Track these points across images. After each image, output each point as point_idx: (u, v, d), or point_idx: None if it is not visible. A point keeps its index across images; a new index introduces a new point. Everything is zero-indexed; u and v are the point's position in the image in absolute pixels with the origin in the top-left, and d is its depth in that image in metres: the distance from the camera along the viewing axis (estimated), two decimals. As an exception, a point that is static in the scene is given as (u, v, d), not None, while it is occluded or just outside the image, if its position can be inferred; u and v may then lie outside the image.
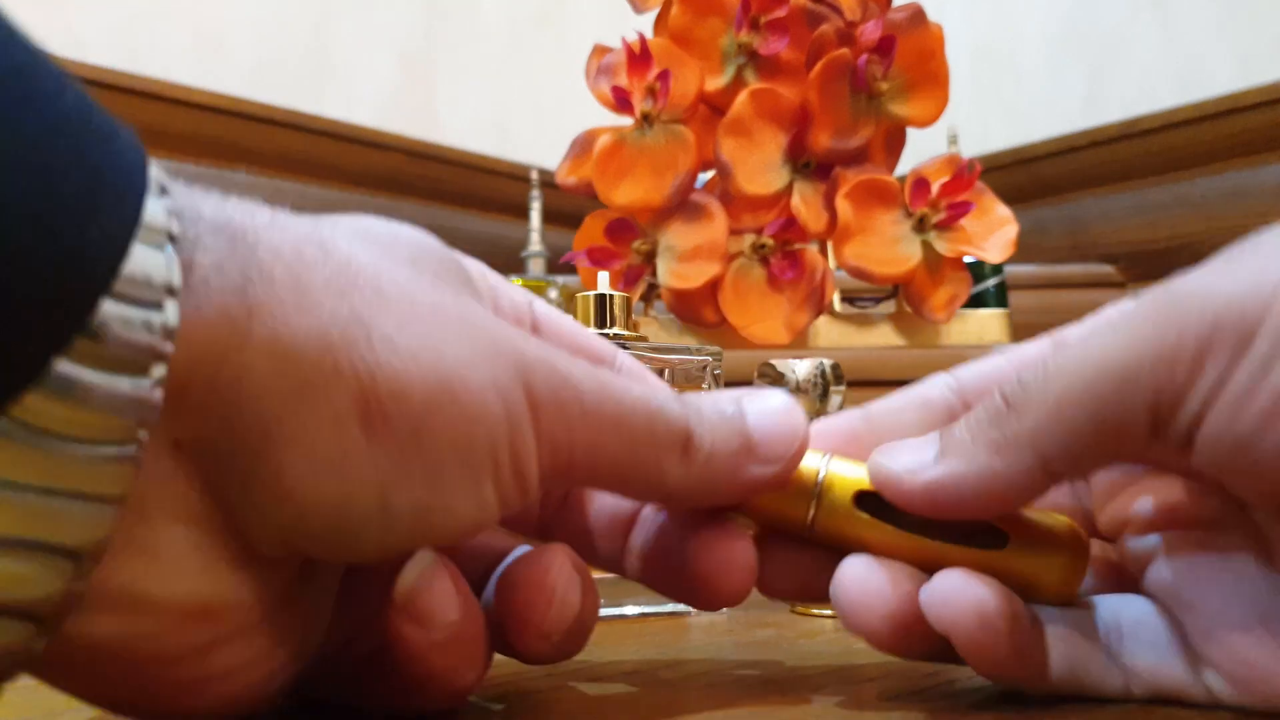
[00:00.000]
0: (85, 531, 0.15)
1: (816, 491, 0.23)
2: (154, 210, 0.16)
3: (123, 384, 0.15)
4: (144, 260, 0.15)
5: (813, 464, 0.23)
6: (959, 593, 0.21)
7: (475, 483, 0.19)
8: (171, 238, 0.16)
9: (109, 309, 0.14)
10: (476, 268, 0.23)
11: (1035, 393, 0.21)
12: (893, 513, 0.22)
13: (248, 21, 1.17)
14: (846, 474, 0.23)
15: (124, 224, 0.15)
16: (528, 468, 0.19)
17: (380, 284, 0.18)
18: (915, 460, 0.22)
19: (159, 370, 0.15)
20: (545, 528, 0.26)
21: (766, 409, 0.23)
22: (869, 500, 0.23)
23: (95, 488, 0.15)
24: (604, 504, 0.25)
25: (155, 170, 0.17)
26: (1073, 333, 0.24)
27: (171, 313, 0.15)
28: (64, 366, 0.14)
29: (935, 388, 0.27)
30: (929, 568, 0.22)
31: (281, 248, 0.17)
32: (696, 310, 0.68)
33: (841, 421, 0.26)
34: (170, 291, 0.15)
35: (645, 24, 0.72)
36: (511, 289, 0.24)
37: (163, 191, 0.17)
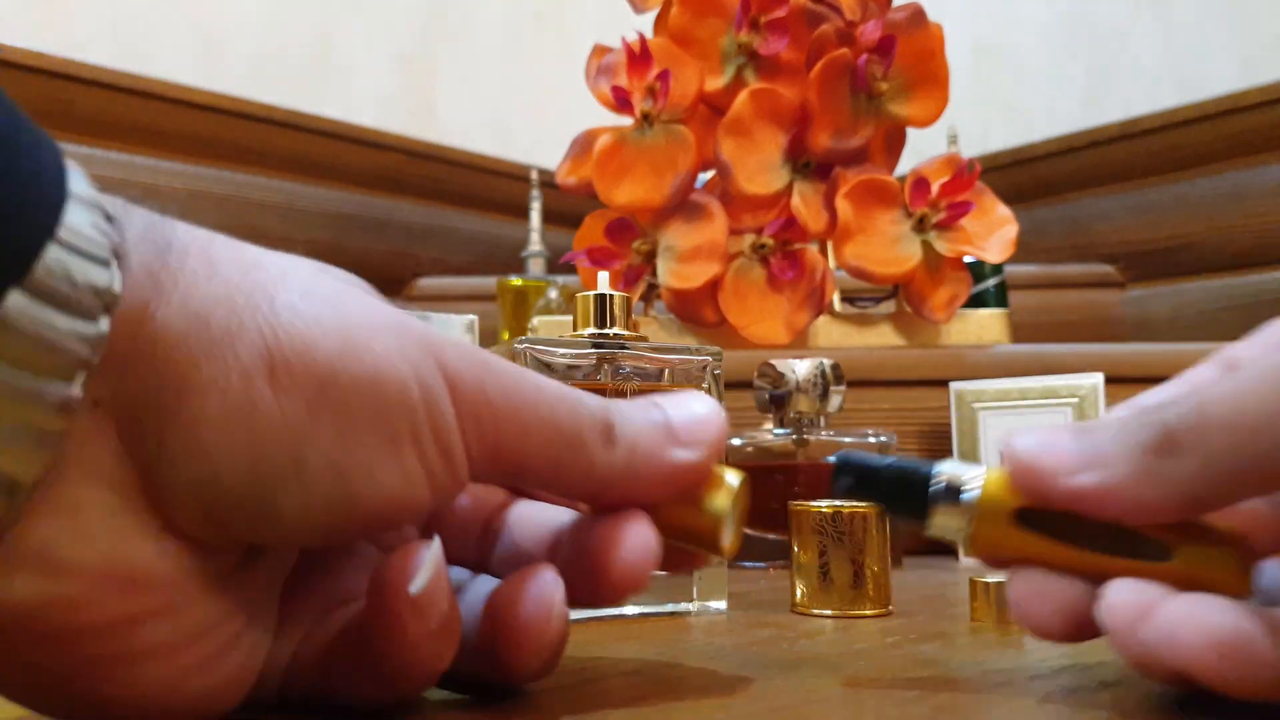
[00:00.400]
0: (27, 465, 0.16)
1: (974, 509, 0.23)
2: (82, 184, 0.17)
3: (72, 324, 0.16)
4: (81, 218, 0.16)
5: (967, 474, 0.23)
6: (1186, 625, 0.20)
7: (394, 448, 0.19)
8: (105, 215, 0.17)
9: (57, 254, 0.16)
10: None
11: (1194, 438, 0.20)
12: (1050, 524, 0.22)
13: (248, 21, 1.17)
14: (1001, 487, 0.23)
15: (58, 191, 0.16)
16: (451, 441, 0.20)
17: (284, 271, 0.19)
18: (1059, 460, 0.22)
19: (104, 321, 0.17)
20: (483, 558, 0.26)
21: (685, 402, 0.24)
22: (1030, 521, 0.23)
23: (40, 421, 0.16)
24: (527, 524, 0.25)
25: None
26: (1244, 354, 0.23)
27: (114, 271, 0.17)
28: (15, 299, 0.15)
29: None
30: (1096, 579, 0.22)
31: (195, 235, 0.19)
32: (696, 310, 0.68)
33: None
34: (115, 254, 0.17)
35: (645, 24, 0.72)
36: None
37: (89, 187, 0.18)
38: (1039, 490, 0.22)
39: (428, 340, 0.20)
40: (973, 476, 0.23)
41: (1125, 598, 0.21)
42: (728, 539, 0.24)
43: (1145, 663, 0.20)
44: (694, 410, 0.23)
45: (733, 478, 0.24)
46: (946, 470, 0.23)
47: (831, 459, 0.24)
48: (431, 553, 0.19)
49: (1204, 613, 0.20)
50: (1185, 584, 0.21)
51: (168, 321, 0.17)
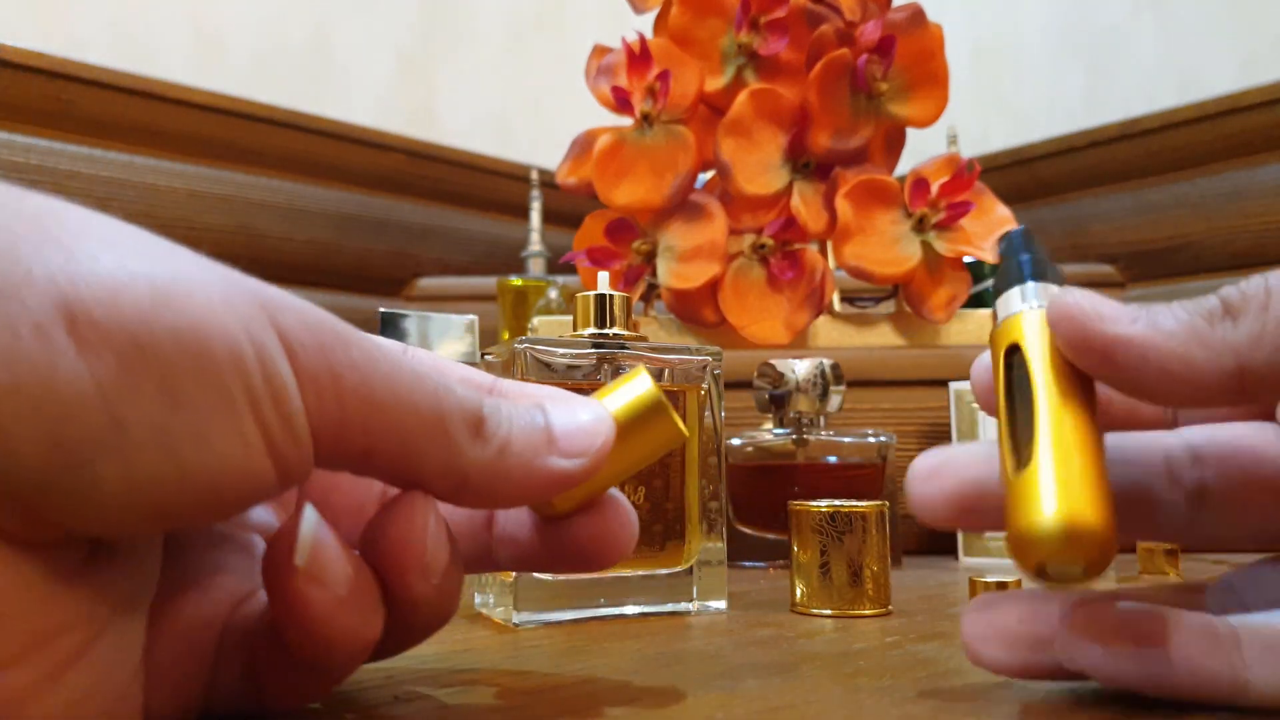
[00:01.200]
0: None
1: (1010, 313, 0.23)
2: None
3: None
4: None
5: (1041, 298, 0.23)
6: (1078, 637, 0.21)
7: (227, 410, 0.17)
8: None
9: None
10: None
11: (1255, 304, 0.20)
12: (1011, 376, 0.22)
13: (248, 21, 1.17)
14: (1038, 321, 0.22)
15: None
16: (292, 409, 0.17)
17: (84, 220, 0.17)
18: (1110, 310, 0.21)
19: None
20: None
21: (570, 408, 0.23)
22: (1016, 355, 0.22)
23: None
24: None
25: None
26: None
27: None
28: None
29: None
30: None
31: None
32: (696, 310, 0.68)
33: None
34: None
35: (645, 24, 0.72)
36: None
37: None
38: (1079, 324, 0.21)
39: (261, 296, 0.18)
40: (1016, 303, 0.23)
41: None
42: (680, 426, 0.24)
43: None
44: (579, 418, 0.22)
45: (645, 384, 0.24)
46: (1032, 286, 0.23)
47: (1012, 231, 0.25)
48: (306, 520, 0.18)
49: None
50: (1007, 503, 0.20)
51: None
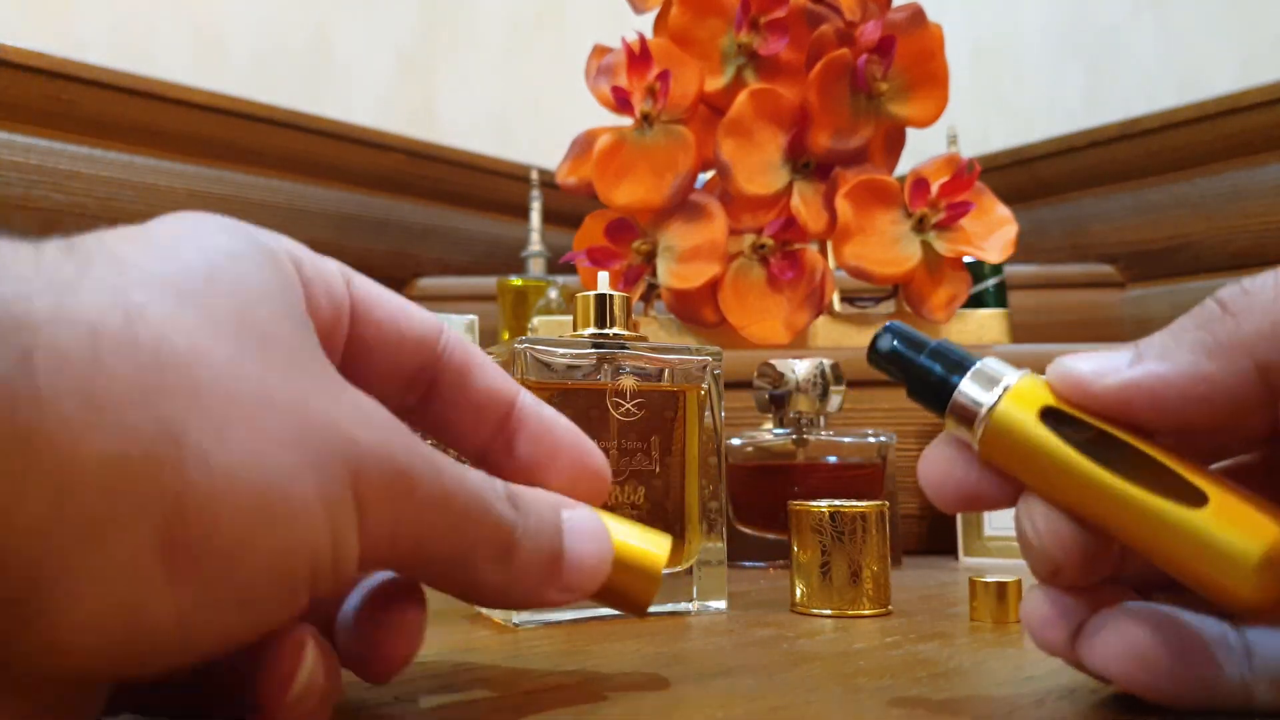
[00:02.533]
0: None
1: (998, 396, 0.21)
2: None
3: None
4: None
5: (1007, 370, 0.22)
6: (1115, 636, 0.21)
7: (291, 596, 0.17)
8: None
9: None
10: (287, 257, 0.21)
11: (1260, 298, 0.19)
12: (1078, 431, 0.20)
13: (248, 21, 1.17)
14: (1037, 387, 0.21)
15: None
16: (347, 569, 0.18)
17: (197, 378, 0.16)
18: (1107, 363, 0.20)
19: None
20: None
21: (583, 537, 0.23)
22: (1057, 423, 0.20)
23: None
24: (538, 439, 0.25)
25: None
26: None
27: None
28: None
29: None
30: (1109, 519, 0.19)
31: (70, 346, 0.14)
32: (696, 310, 0.68)
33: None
34: None
35: (645, 24, 0.72)
36: (325, 271, 0.22)
37: None
38: (1082, 388, 0.20)
39: (349, 458, 0.18)
40: (1011, 372, 0.21)
41: (1045, 610, 0.22)
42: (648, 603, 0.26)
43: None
44: (586, 558, 0.23)
45: (659, 554, 0.25)
46: (986, 361, 0.22)
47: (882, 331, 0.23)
48: (305, 668, 0.19)
49: (1137, 623, 0.21)
50: (1206, 550, 0.18)
51: (27, 496, 0.13)
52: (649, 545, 0.25)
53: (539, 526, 0.22)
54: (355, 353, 0.22)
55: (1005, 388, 0.21)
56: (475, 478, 0.21)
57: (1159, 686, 0.20)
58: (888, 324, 0.23)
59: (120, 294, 0.15)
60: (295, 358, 0.18)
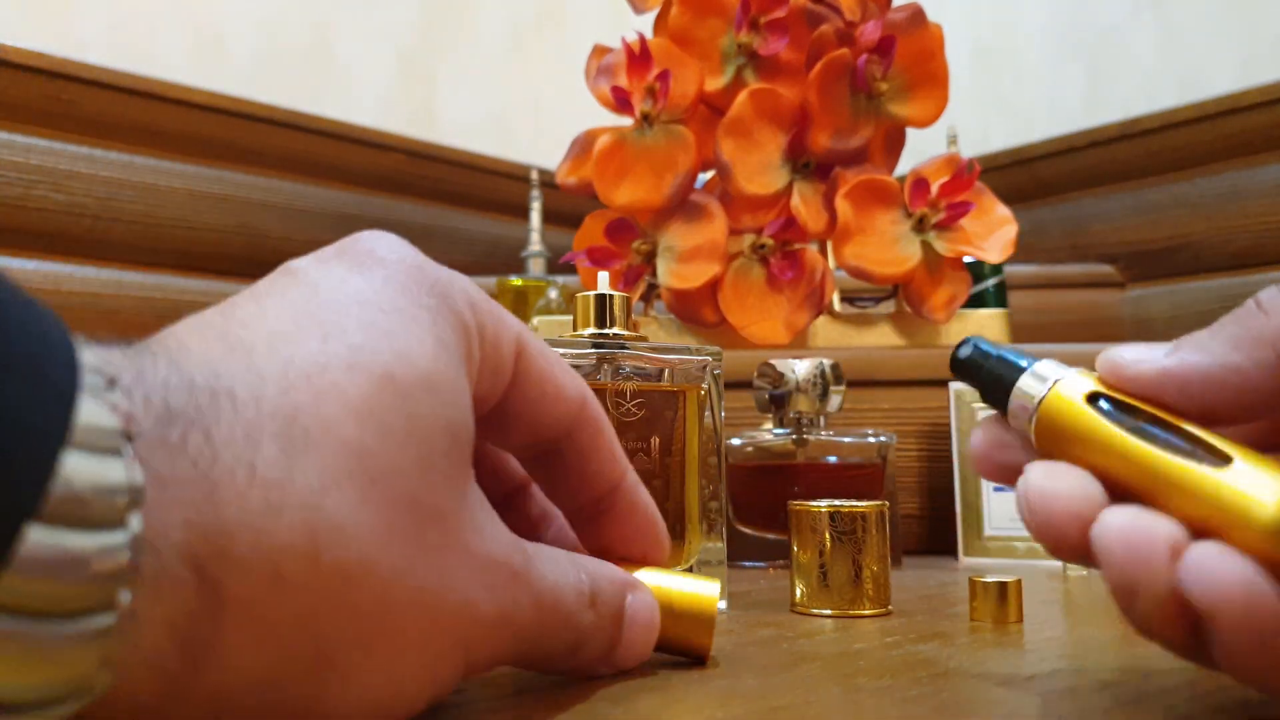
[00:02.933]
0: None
1: (1047, 389, 0.23)
2: (89, 354, 0.15)
3: (99, 539, 0.14)
4: (93, 409, 0.14)
5: (1052, 373, 0.24)
6: (1221, 565, 0.19)
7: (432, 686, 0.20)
8: (109, 380, 0.15)
9: (75, 462, 0.14)
10: (466, 310, 0.22)
11: None
12: (1120, 411, 0.22)
13: (248, 21, 1.17)
14: (1086, 379, 0.24)
15: (68, 381, 0.14)
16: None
17: (358, 602, 0.17)
18: (1147, 353, 0.22)
19: (135, 519, 0.14)
20: None
21: (638, 618, 0.26)
22: (1098, 403, 0.23)
23: (75, 676, 0.14)
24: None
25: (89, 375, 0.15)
26: None
27: (132, 461, 0.14)
28: (35, 536, 0.13)
29: None
30: (1143, 483, 0.21)
31: (259, 578, 0.16)
32: (696, 310, 0.68)
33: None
34: (127, 434, 0.14)
35: (645, 24, 0.72)
36: (500, 326, 0.23)
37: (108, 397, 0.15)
38: (1121, 373, 0.22)
39: (468, 633, 0.20)
40: (1063, 371, 0.24)
41: (1149, 526, 0.20)
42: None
43: (1159, 598, 0.19)
44: (634, 641, 0.26)
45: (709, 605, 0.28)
46: (1043, 363, 0.24)
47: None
48: None
49: (1242, 559, 0.19)
50: (1230, 504, 0.20)
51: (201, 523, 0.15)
52: (701, 591, 0.28)
53: (609, 623, 0.24)
54: (496, 415, 0.24)
55: (1056, 380, 0.24)
56: (569, 590, 0.23)
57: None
58: (967, 337, 0.26)
59: (312, 497, 0.16)
60: (447, 526, 0.19)
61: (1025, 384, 0.24)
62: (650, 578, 0.27)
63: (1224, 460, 0.20)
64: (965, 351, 0.26)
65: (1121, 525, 0.20)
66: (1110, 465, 0.22)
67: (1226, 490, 0.20)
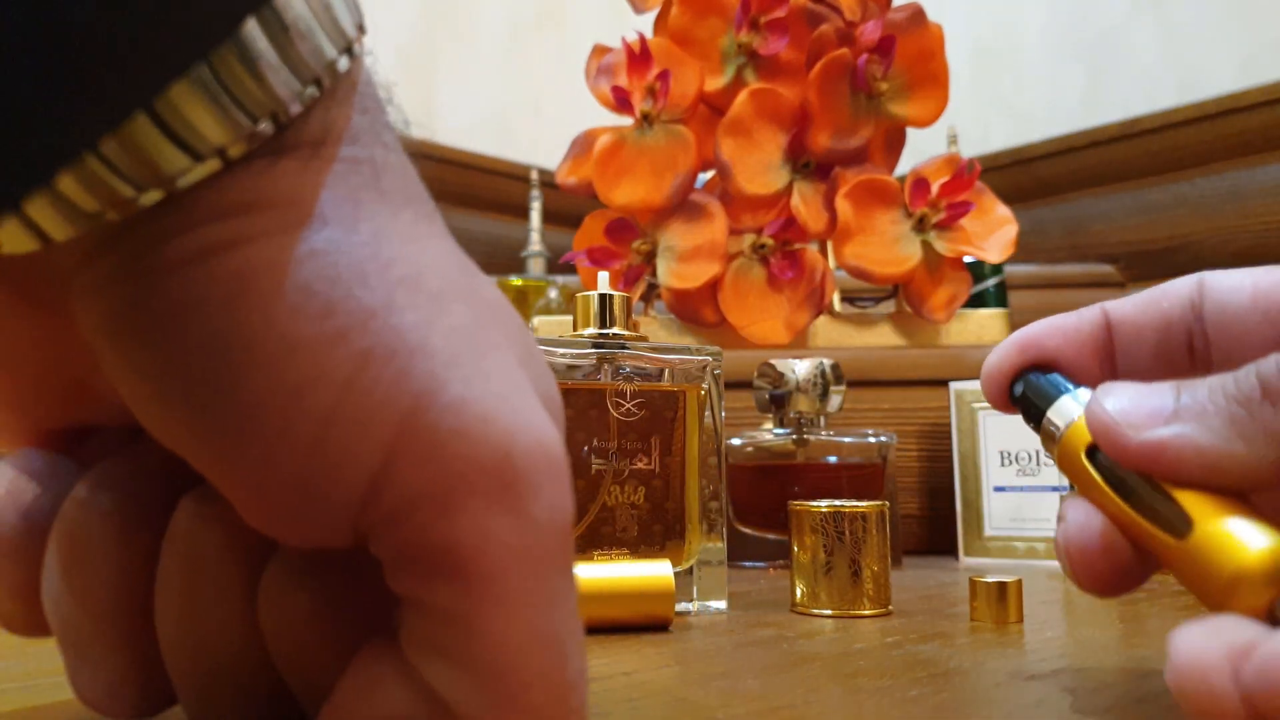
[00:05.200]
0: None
1: (1062, 430, 0.24)
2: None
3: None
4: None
5: (1074, 409, 0.24)
6: (1190, 661, 0.18)
7: None
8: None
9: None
10: None
11: None
12: (1108, 466, 0.22)
13: (248, 21, 1.17)
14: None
15: None
16: None
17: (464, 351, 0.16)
18: (1143, 413, 0.21)
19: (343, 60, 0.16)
20: None
21: None
22: (1095, 457, 0.23)
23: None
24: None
25: None
26: None
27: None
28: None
29: (1177, 306, 0.25)
30: (1135, 540, 0.22)
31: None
32: (696, 310, 0.68)
33: (1084, 324, 0.26)
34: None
35: (645, 24, 0.72)
36: None
37: None
38: (1113, 440, 0.22)
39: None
40: (1079, 408, 0.24)
41: (1208, 646, 0.18)
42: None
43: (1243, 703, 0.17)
44: None
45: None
46: (1064, 399, 0.24)
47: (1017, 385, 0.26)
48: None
49: (1207, 648, 0.18)
50: (1188, 572, 0.20)
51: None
52: (653, 572, 0.33)
53: None
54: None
55: (1068, 423, 0.24)
56: None
57: None
58: (1024, 374, 0.26)
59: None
60: None
61: (1052, 420, 0.24)
62: (604, 570, 0.30)
63: (1185, 528, 0.20)
64: (1015, 391, 0.26)
65: (1176, 662, 0.19)
66: (1110, 515, 0.22)
67: (1190, 560, 0.20)
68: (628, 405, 0.38)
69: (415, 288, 0.15)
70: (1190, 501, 0.21)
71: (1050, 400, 0.25)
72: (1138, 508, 0.22)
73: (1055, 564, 0.52)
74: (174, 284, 0.14)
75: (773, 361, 0.55)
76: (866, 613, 0.37)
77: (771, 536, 0.54)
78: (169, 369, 0.15)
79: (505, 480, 0.14)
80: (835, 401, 0.55)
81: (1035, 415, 0.25)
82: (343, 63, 0.15)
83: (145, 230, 0.15)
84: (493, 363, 0.16)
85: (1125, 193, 1.07)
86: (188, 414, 0.15)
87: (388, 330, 0.15)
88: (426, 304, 0.15)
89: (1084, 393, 0.24)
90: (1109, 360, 0.25)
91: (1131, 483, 0.22)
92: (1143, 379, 0.23)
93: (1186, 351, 0.25)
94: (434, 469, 0.14)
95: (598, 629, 0.33)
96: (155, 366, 0.15)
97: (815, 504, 0.38)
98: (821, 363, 0.54)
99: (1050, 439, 0.24)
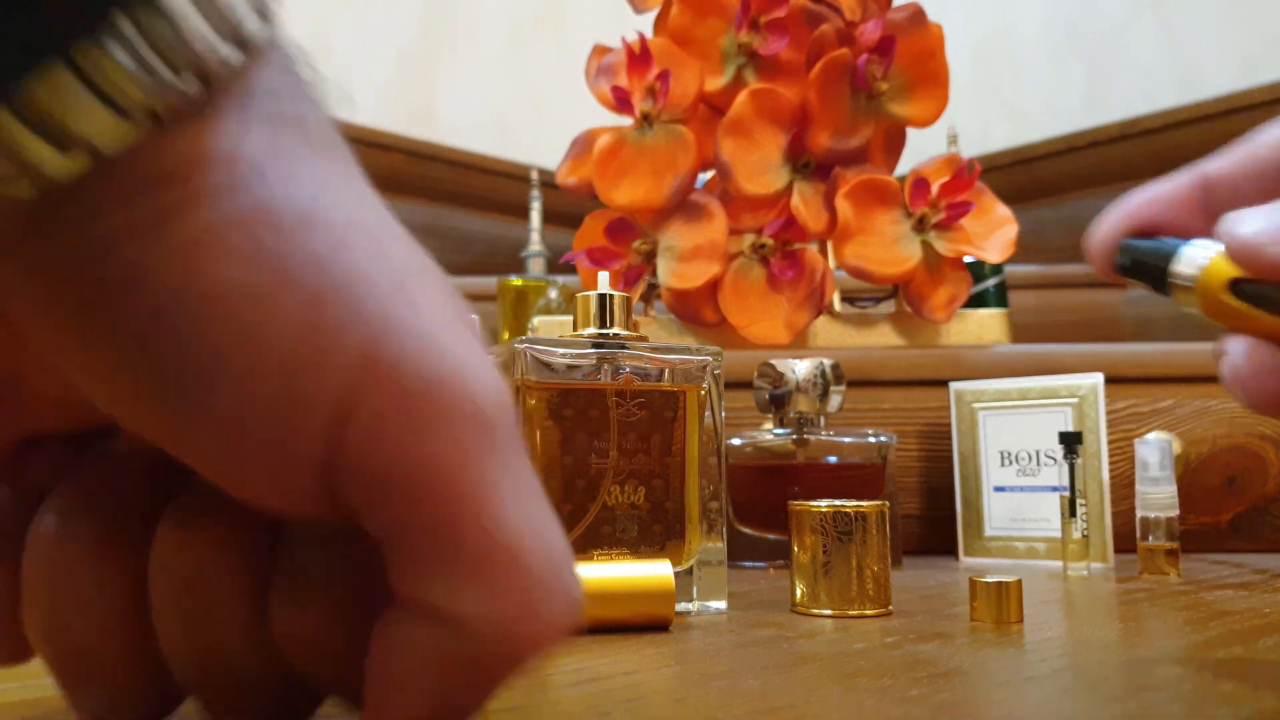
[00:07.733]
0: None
1: (1195, 285, 0.24)
2: None
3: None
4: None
5: (1201, 251, 0.24)
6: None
7: None
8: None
9: None
10: None
11: None
12: (1257, 294, 0.23)
13: (248, 21, 1.17)
14: (1219, 260, 0.24)
15: None
16: None
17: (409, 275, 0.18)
18: (1272, 227, 0.22)
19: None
20: None
21: None
22: (1243, 286, 0.23)
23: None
24: None
25: None
26: None
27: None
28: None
29: (1266, 147, 0.26)
30: None
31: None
32: (696, 310, 0.68)
33: (1181, 187, 0.26)
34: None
35: (645, 24, 0.72)
36: None
37: None
38: (1260, 264, 0.22)
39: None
40: (1204, 252, 0.24)
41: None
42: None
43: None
44: None
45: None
46: (1185, 249, 0.24)
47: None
48: None
49: None
50: None
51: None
52: (653, 572, 0.34)
53: None
54: None
55: (1198, 268, 0.24)
56: None
57: None
58: (1121, 243, 0.26)
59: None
60: None
61: (1179, 274, 0.24)
62: (604, 570, 0.31)
63: None
64: (1120, 260, 0.26)
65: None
66: (1271, 339, 0.23)
67: None
68: (628, 405, 0.38)
69: (357, 229, 0.17)
70: None
71: (1168, 256, 0.25)
72: None
73: (1055, 564, 0.52)
74: (123, 251, 0.15)
75: (773, 361, 0.55)
76: (867, 613, 0.37)
77: (771, 536, 0.54)
78: (123, 338, 0.15)
79: (463, 393, 0.16)
80: (835, 401, 0.55)
81: (1155, 275, 0.25)
82: (258, 23, 0.16)
83: (84, 203, 0.15)
84: (433, 294, 0.17)
85: (1125, 193, 1.08)
86: (148, 379, 0.15)
87: (337, 271, 0.16)
88: (367, 244, 0.17)
89: (1198, 242, 0.24)
90: (1210, 219, 0.25)
91: None
92: None
93: None
94: (398, 394, 0.15)
95: (598, 629, 0.34)
96: (109, 336, 0.15)
97: (815, 504, 0.38)
98: (821, 363, 0.54)
99: (1184, 290, 0.24)
